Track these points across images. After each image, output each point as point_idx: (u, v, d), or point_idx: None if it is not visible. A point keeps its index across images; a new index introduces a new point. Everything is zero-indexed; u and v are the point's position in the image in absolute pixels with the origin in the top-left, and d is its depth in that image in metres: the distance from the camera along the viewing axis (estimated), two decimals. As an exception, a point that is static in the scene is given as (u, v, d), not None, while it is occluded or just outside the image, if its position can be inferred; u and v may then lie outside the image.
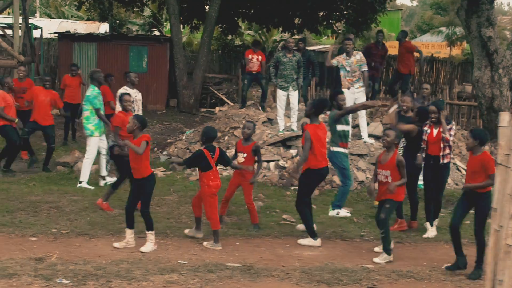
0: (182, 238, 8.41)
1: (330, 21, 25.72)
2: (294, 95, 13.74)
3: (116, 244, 7.96)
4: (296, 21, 26.35)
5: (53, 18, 39.91)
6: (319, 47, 34.92)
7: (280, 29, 28.82)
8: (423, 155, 9.27)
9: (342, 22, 26.06)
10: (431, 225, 9.25)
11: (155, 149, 14.64)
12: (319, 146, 8.60)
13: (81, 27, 33.75)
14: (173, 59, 22.12)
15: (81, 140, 15.43)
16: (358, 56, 12.97)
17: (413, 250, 8.41)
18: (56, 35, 23.15)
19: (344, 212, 10.05)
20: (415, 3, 74.94)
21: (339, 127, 10.07)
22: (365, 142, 13.18)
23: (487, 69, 16.58)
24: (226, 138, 14.27)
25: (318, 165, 8.63)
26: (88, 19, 38.42)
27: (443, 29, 32.94)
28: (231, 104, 20.49)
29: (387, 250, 8.04)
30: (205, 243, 8.22)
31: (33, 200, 9.87)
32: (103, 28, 32.76)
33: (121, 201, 10.05)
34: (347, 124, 10.28)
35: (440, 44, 36.19)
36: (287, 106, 13.90)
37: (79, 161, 12.54)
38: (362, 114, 13.13)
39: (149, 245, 7.90)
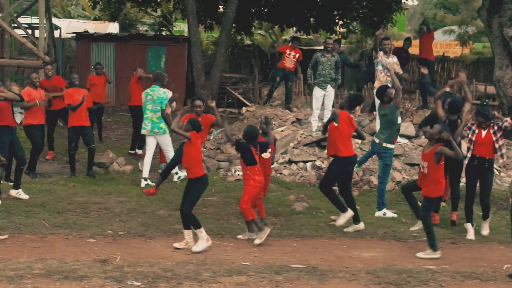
0: (238, 239, 8.39)
1: (346, 20, 25.71)
2: (331, 95, 13.82)
3: (176, 245, 7.95)
4: (312, 20, 26.32)
5: (59, 18, 39.84)
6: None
7: (290, 29, 28.83)
8: (469, 155, 9.27)
9: (358, 21, 26.06)
10: (472, 225, 9.23)
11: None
12: (348, 133, 8.91)
13: (90, 26, 33.65)
14: (191, 59, 22.09)
15: (107, 140, 15.46)
16: (395, 59, 12.99)
17: (470, 251, 8.41)
18: (74, 35, 23.07)
19: (390, 213, 10.05)
20: (416, 2, 75.08)
21: (399, 121, 10.20)
22: (398, 142, 13.16)
23: (509, 68, 16.54)
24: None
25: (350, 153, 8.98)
26: (95, 19, 38.36)
27: (455, 28, 32.99)
28: (249, 104, 20.48)
29: (432, 246, 8.12)
30: (239, 236, 8.50)
31: (80, 201, 9.86)
32: (112, 28, 32.71)
33: (166, 202, 10.06)
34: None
35: (448, 43, 36.25)
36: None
37: (114, 161, 12.54)
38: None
39: (201, 242, 7.86)
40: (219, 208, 9.91)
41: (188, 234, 7.99)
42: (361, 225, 9.05)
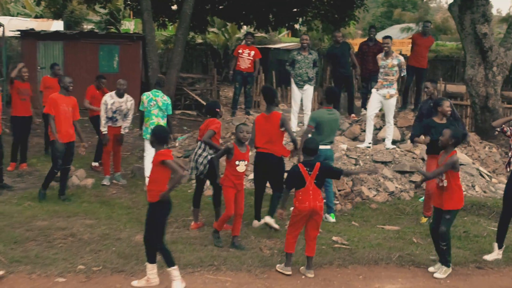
0: (236, 271, 7.11)
1: (307, 18, 24.66)
2: (309, 95, 12.82)
3: (135, 283, 6.62)
4: (271, 17, 25.16)
5: (-3, 16, 37.71)
6: (282, 45, 33.89)
7: (245, 27, 27.64)
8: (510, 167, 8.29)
9: (319, 19, 25.03)
10: (500, 247, 8.18)
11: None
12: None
13: (32, 24, 31.71)
14: (146, 58, 20.60)
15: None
16: (396, 61, 11.87)
17: (502, 278, 7.33)
18: (16, 33, 21.29)
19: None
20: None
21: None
22: (387, 148, 12.12)
23: (481, 67, 15.78)
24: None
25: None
26: (36, 16, 36.36)
27: (413, 25, 32.43)
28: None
29: (446, 262, 7.33)
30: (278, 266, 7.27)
31: (41, 226, 8.38)
32: (56, 26, 30.88)
33: (141, 224, 8.67)
34: None
35: (401, 41, 35.70)
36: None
37: (73, 175, 11.08)
38: (390, 120, 12.10)
39: (176, 285, 6.53)
40: (204, 230, 8.59)
41: (151, 268, 6.66)
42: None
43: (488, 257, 8.00)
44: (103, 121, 11.10)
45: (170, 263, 6.50)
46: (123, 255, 7.39)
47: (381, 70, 11.93)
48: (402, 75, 12.06)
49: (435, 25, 31.97)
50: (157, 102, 10.80)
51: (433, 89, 10.25)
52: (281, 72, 21.12)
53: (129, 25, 38.10)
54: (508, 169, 8.52)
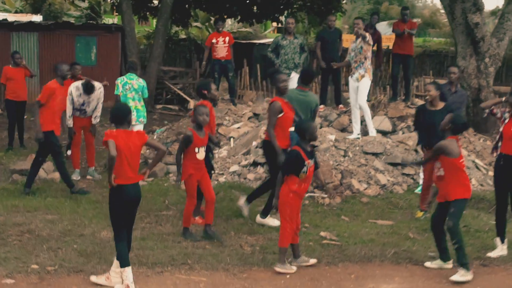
0: (211, 270, 6.27)
1: (292, 10, 23.89)
2: (292, 82, 11.93)
3: (93, 278, 5.87)
4: (255, 10, 24.39)
5: (-24, 11, 36.70)
6: (267, 40, 33.09)
7: (228, 21, 26.89)
8: (497, 152, 7.51)
9: (305, 11, 24.30)
10: (502, 241, 7.42)
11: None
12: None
13: (11, 19, 30.82)
14: (125, 50, 19.75)
15: (32, 143, 13.04)
16: (364, 40, 11.08)
17: (510, 276, 6.55)
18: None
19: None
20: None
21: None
22: (347, 137, 11.35)
23: (473, 58, 15.03)
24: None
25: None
26: (16, 12, 35.36)
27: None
28: (190, 100, 18.42)
29: (464, 264, 6.48)
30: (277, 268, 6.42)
31: (-5, 222, 7.52)
32: (35, 20, 29.91)
33: (108, 220, 7.84)
34: None
35: (388, 37, 35.04)
36: None
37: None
38: (362, 103, 11.21)
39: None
40: (178, 225, 7.73)
41: (117, 266, 5.86)
42: None
43: (492, 254, 7.24)
44: (68, 113, 10.09)
45: (122, 261, 5.67)
46: (85, 253, 6.54)
47: (352, 54, 11.14)
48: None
49: (424, 20, 31.34)
50: (133, 85, 10.33)
51: (458, 74, 9.66)
52: (266, 67, 20.35)
53: (112, 22, 37.14)
54: (495, 154, 7.76)
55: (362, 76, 11.18)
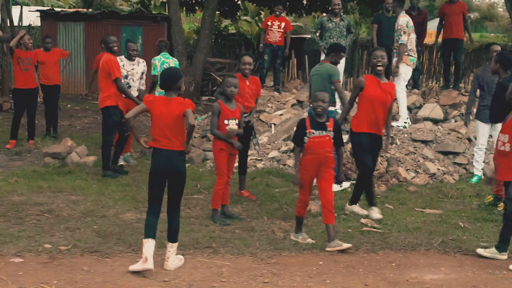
0: (237, 255, 5.74)
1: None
2: (340, 66, 11.27)
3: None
4: (304, 1, 23.77)
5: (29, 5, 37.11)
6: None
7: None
8: None
9: (355, 1, 23.52)
10: None
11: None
12: None
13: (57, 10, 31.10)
14: (171, 41, 19.37)
15: (70, 129, 12.80)
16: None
17: None
18: (38, 13, 20.28)
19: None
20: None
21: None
22: (398, 126, 10.63)
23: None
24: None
25: None
26: (69, 7, 35.63)
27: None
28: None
29: (504, 243, 6.01)
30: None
31: (16, 201, 7.13)
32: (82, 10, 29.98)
33: (135, 202, 7.42)
34: None
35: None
36: None
37: (72, 151, 9.86)
38: (400, 95, 10.51)
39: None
40: (207, 209, 7.23)
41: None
42: None
43: None
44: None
45: (145, 232, 5.28)
46: (103, 234, 6.08)
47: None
48: None
49: (481, 14, 30.17)
50: (169, 64, 9.85)
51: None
52: (317, 62, 19.67)
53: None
54: None
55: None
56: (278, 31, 13.16)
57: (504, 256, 5.99)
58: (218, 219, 6.79)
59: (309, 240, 6.18)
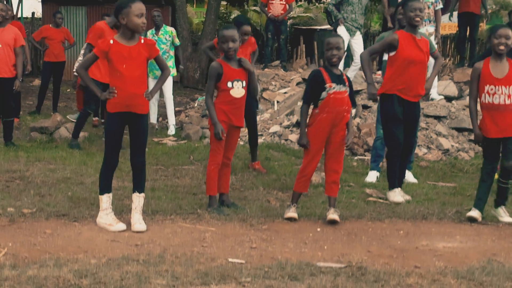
0: (223, 221, 5.07)
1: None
2: (359, 43, 10.56)
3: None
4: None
5: None
6: (329, 26, 31.69)
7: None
8: None
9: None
10: None
11: (160, 118, 11.20)
12: None
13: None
14: (175, 25, 18.74)
15: (66, 110, 12.18)
16: None
17: None
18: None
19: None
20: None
21: None
22: (432, 99, 9.96)
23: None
24: (254, 102, 10.95)
25: None
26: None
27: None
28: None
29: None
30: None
31: (-12, 168, 6.53)
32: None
33: (119, 171, 6.75)
34: None
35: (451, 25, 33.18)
36: None
37: (61, 126, 9.24)
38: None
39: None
40: (197, 179, 6.57)
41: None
42: None
43: None
44: None
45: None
46: (76, 199, 5.45)
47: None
48: None
49: (496, 4, 29.25)
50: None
51: None
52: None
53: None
54: None
55: (430, 34, 9.76)
56: (281, 3, 12.43)
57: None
58: (215, 209, 5.33)
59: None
